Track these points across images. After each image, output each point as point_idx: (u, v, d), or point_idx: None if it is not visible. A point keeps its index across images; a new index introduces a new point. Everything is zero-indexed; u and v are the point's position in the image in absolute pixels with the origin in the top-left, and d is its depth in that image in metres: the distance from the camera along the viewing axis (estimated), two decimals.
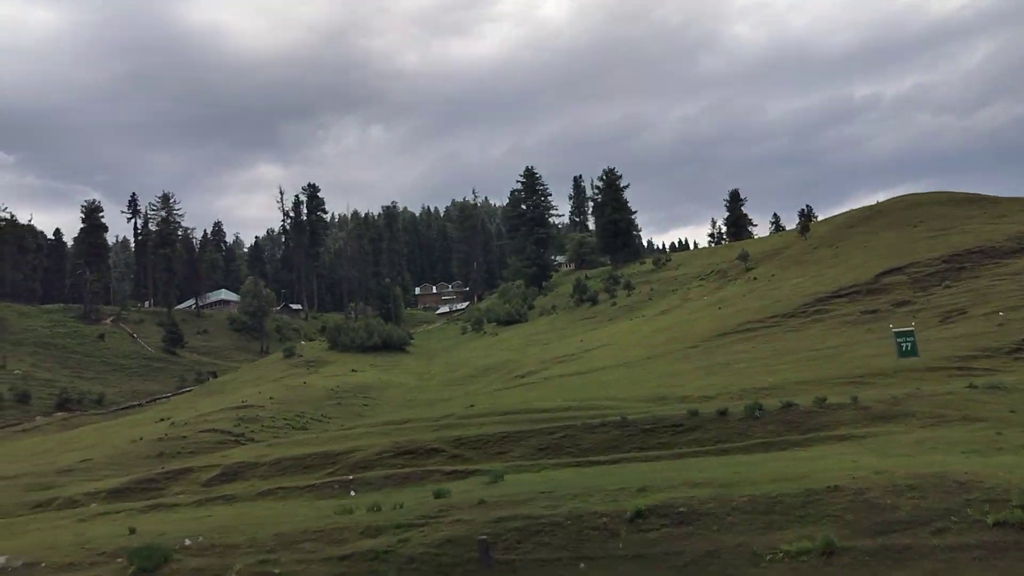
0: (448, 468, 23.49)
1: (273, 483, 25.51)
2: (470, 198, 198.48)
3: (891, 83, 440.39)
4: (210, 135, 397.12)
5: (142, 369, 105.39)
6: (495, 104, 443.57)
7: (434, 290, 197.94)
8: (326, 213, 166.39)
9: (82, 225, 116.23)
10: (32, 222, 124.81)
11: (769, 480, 13.27)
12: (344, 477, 24.51)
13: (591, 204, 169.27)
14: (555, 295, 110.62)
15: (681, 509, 12.55)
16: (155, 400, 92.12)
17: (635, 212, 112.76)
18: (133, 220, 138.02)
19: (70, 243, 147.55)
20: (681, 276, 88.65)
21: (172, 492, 27.96)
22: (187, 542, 14.98)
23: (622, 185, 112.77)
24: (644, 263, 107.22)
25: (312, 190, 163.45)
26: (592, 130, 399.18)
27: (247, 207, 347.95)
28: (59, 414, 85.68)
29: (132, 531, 17.02)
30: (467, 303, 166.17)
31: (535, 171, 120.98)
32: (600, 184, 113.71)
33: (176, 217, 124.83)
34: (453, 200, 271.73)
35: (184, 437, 45.89)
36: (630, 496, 13.61)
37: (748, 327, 43.51)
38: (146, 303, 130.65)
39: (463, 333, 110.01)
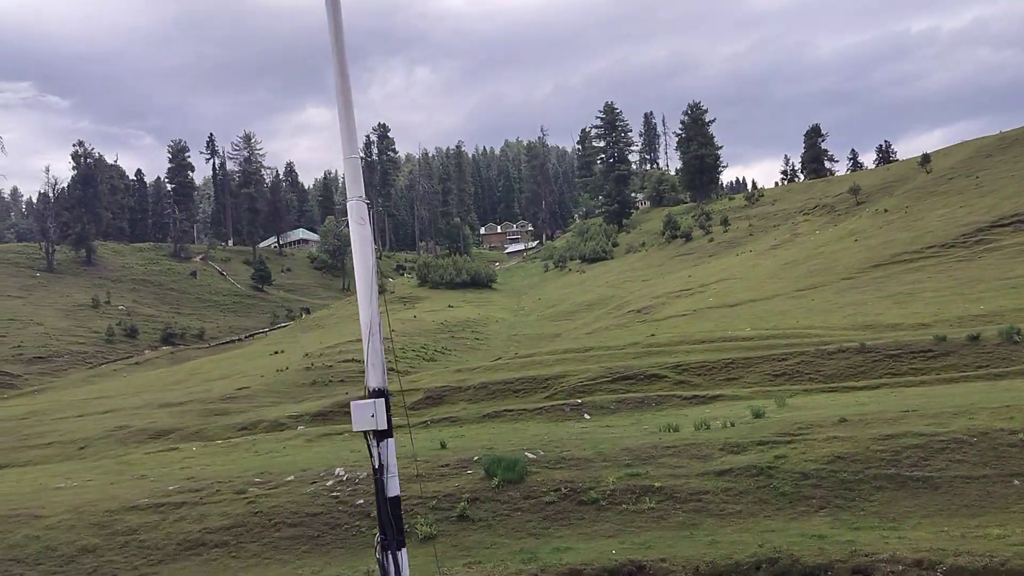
0: (685, 393, 23.27)
1: (490, 406, 25.60)
2: (522, 138, 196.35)
3: (949, 17, 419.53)
4: (258, 79, 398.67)
5: (234, 305, 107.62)
6: (539, 44, 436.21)
7: (499, 230, 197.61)
8: (396, 152, 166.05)
9: (169, 165, 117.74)
10: (117, 162, 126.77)
11: None
12: (572, 400, 24.49)
13: (663, 141, 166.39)
14: (639, 232, 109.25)
15: None
16: (252, 336, 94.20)
17: (720, 147, 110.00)
18: (211, 160, 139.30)
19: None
20: (780, 211, 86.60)
21: None
22: (529, 455, 14.97)
23: (707, 120, 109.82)
24: (733, 199, 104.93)
25: (383, 130, 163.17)
26: (638, 69, 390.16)
27: (296, 151, 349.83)
28: (165, 348, 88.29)
29: (443, 445, 17.13)
30: (536, 242, 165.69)
31: (615, 106, 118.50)
32: (684, 119, 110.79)
33: (258, 157, 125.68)
34: (506, 140, 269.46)
35: (330, 367, 46.75)
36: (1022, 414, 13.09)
37: (903, 258, 42.19)
38: (228, 242, 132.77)
39: (545, 271, 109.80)
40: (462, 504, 13.49)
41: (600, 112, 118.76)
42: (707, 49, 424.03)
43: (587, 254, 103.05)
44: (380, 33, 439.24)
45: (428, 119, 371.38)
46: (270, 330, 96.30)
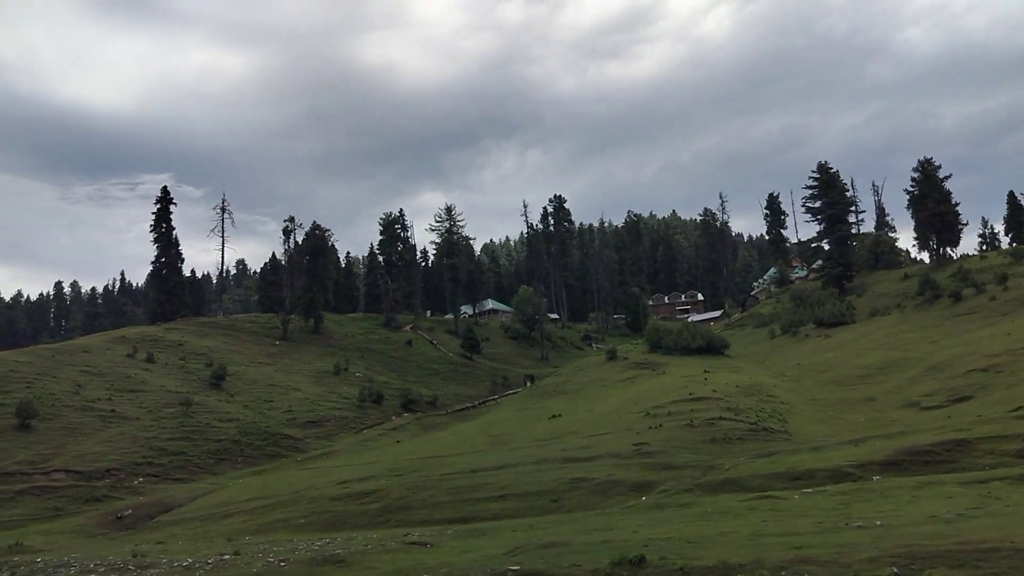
0: None
1: None
2: (645, 212, 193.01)
3: None
4: (379, 166, 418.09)
5: (451, 373, 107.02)
6: (650, 123, 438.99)
7: (666, 300, 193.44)
8: (572, 223, 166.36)
9: (380, 237, 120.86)
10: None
11: None
12: None
13: (856, 206, 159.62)
14: (872, 295, 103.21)
15: None
16: (484, 403, 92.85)
17: (958, 203, 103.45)
18: (402, 234, 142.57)
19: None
20: None
21: (966, 464, 24.75)
22: None
23: (942, 176, 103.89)
24: (985, 257, 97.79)
25: (558, 201, 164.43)
26: (750, 144, 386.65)
27: (415, 232, 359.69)
28: (406, 414, 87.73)
29: None
30: (720, 311, 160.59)
31: (829, 166, 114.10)
32: (916, 176, 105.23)
33: (458, 228, 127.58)
34: (637, 214, 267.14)
35: (712, 424, 43.77)
36: None
37: None
38: (427, 312, 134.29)
39: (772, 337, 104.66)
40: None
41: (814, 172, 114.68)
42: (823, 122, 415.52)
43: (825, 319, 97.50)
44: (495, 118, 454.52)
45: (539, 199, 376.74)
46: (499, 397, 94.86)
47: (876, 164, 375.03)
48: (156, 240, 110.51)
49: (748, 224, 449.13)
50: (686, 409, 49.51)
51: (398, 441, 71.37)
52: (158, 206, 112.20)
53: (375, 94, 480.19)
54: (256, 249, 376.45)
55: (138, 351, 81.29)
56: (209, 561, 24.21)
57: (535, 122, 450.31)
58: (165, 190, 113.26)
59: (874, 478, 25.14)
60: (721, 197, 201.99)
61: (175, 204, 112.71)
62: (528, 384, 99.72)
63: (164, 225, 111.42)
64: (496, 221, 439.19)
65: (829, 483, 25.56)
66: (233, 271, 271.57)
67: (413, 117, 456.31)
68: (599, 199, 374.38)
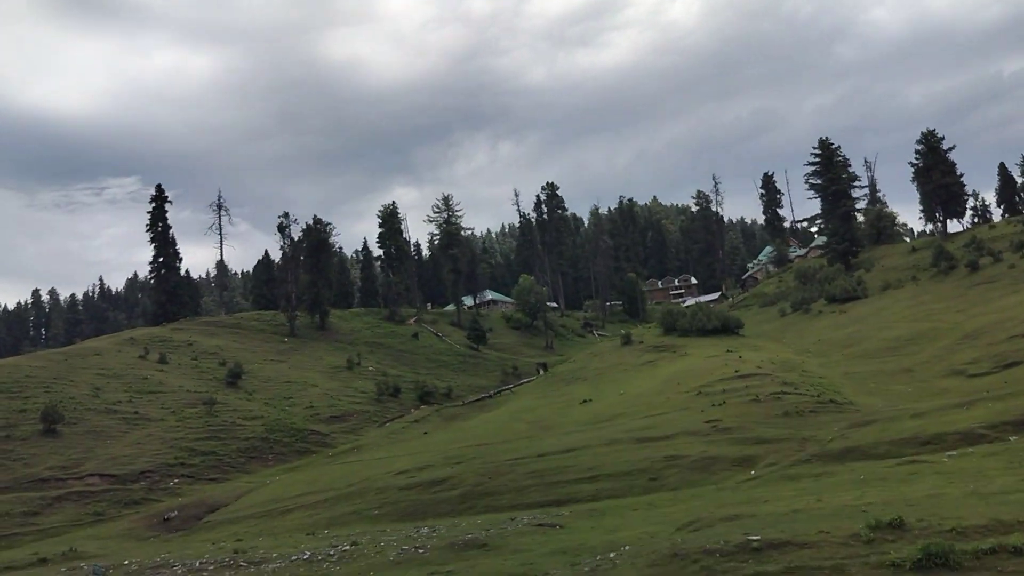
0: None
1: None
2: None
3: None
4: (349, 164, 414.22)
5: (460, 364, 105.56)
6: (622, 111, 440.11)
7: (660, 284, 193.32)
8: (566, 211, 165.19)
9: (380, 230, 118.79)
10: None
11: None
12: None
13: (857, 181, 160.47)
14: (882, 269, 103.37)
15: None
16: (500, 392, 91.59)
17: (962, 175, 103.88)
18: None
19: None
20: None
21: None
22: None
23: (945, 148, 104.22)
24: (994, 226, 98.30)
25: (551, 189, 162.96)
26: (721, 129, 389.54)
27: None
28: (424, 407, 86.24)
29: None
30: (718, 293, 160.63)
31: (831, 142, 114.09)
32: (920, 148, 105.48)
33: (456, 218, 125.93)
34: (619, 200, 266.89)
35: (779, 399, 43.03)
36: None
37: None
38: (428, 305, 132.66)
39: (783, 315, 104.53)
40: None
41: (815, 148, 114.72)
42: (792, 105, 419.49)
43: (836, 294, 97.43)
44: (466, 111, 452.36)
45: (515, 190, 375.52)
46: (515, 387, 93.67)
47: (847, 144, 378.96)
48: (152, 240, 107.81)
49: (726, 207, 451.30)
50: (740, 386, 48.73)
51: (425, 433, 70.00)
52: (153, 205, 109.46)
53: (344, 91, 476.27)
54: (228, 249, 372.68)
55: (150, 352, 78.99)
56: (331, 553, 22.82)
57: (506, 114, 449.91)
58: (159, 189, 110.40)
59: (1011, 439, 24.39)
60: (714, 179, 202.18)
61: (170, 203, 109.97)
62: (541, 372, 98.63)
63: (160, 225, 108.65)
64: (472, 214, 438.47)
65: (964, 445, 24.75)
66: (213, 272, 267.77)
67: (383, 113, 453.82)
68: (573, 189, 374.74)
